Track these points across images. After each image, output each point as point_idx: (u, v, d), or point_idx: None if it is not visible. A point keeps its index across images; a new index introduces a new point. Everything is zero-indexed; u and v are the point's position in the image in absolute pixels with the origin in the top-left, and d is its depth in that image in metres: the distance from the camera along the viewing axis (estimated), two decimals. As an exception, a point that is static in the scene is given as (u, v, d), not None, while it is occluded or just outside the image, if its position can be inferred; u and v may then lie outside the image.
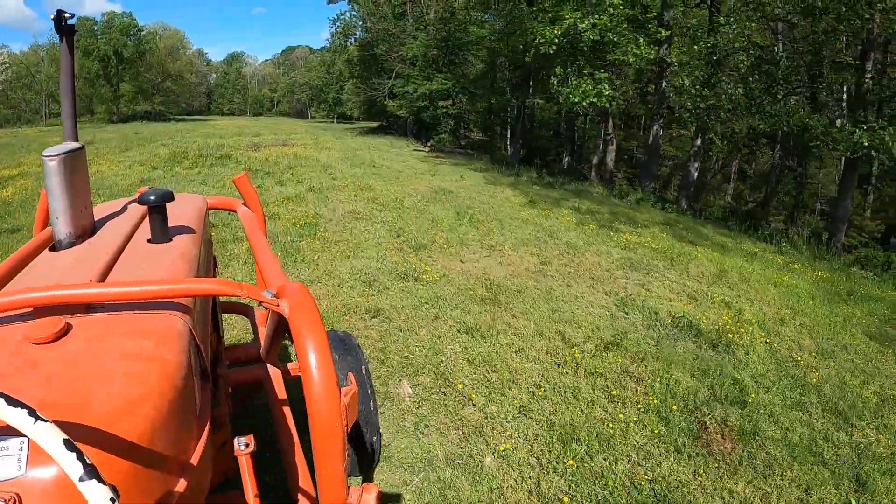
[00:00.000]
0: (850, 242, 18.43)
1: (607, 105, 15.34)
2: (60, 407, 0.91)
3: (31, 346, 1.07)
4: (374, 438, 2.62)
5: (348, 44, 43.19)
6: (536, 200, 12.91)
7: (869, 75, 12.39)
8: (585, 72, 15.68)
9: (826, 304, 7.76)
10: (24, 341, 1.08)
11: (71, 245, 1.67)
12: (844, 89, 14.42)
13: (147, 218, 1.88)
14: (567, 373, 4.63)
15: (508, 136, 38.76)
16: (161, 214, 1.76)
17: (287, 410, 2.06)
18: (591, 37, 14.62)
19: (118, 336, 1.14)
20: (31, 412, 0.70)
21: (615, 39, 14.65)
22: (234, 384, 2.28)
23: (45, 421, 0.70)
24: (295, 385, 1.80)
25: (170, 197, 1.73)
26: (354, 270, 6.57)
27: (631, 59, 15.00)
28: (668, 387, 4.53)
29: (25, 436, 0.77)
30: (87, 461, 0.70)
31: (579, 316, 5.87)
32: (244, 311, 3.22)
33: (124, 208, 2.16)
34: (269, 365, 2.29)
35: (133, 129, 38.57)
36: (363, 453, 2.60)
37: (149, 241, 1.77)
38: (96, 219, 1.91)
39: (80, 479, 0.68)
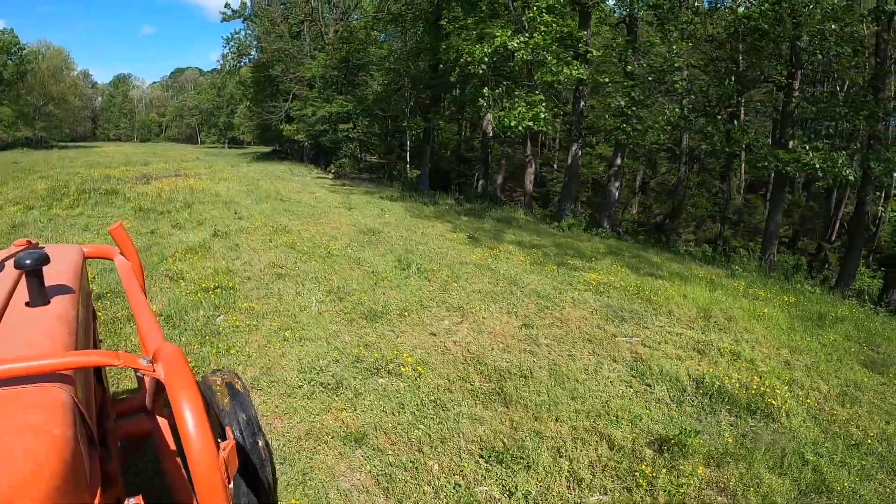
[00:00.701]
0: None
1: (543, 129, 14.58)
2: None
3: None
4: (269, 476, 2.49)
5: (242, 65, 40.03)
6: (478, 238, 11.74)
7: (796, 93, 12.63)
8: (517, 93, 14.86)
9: (809, 334, 7.55)
10: None
11: None
12: (773, 108, 14.77)
13: (23, 279, 1.82)
14: (646, 501, 3.37)
15: (408, 157, 37.86)
16: (38, 278, 1.70)
17: (178, 461, 1.98)
18: (525, 56, 13.83)
19: (4, 412, 1.12)
20: None
21: (546, 58, 13.93)
22: (123, 437, 2.23)
23: None
24: None
25: (45, 260, 1.68)
26: (304, 364, 4.88)
27: (562, 79, 14.37)
28: (763, 496, 3.59)
29: None
30: None
31: (607, 402, 4.65)
32: None
33: (0, 265, 2.02)
34: (156, 415, 2.18)
35: (12, 157, 33.69)
36: (259, 490, 2.43)
37: (27, 304, 1.72)
38: None
39: None
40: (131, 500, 1.30)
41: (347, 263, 8.64)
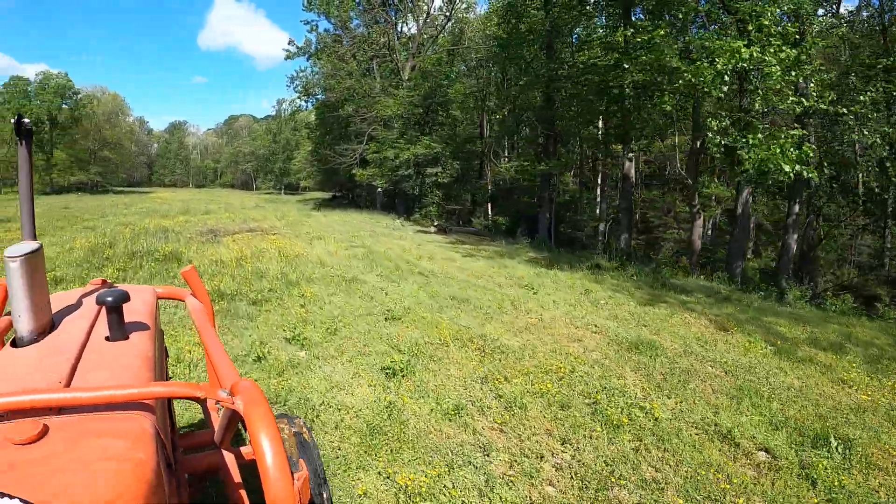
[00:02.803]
0: None
1: (809, 176, 9.88)
2: None
3: (11, 446, 1.08)
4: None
5: (307, 106, 36.53)
6: (728, 327, 7.19)
7: None
8: (760, 125, 10.12)
9: None
10: (3, 442, 1.09)
11: (32, 342, 1.68)
12: None
13: (102, 314, 1.90)
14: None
15: (489, 203, 33.48)
16: (118, 314, 1.76)
17: (244, 493, 2.00)
18: (776, 72, 9.21)
19: (94, 437, 1.16)
20: None
21: (799, 76, 9.32)
22: (189, 470, 2.21)
23: None
24: (247, 468, 1.94)
25: (126, 298, 1.75)
26: None
27: (809, 105, 9.75)
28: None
29: None
30: None
31: None
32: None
33: (79, 302, 2.11)
34: (223, 451, 2.15)
35: (64, 202, 31.07)
36: None
37: (107, 338, 1.77)
38: (53, 311, 1.93)
39: None
40: None
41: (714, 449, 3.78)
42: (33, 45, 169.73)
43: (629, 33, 14.56)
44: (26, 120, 1.80)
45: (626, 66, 14.07)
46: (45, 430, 1.14)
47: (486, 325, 6.96)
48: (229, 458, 2.19)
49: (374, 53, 35.47)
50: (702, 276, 14.74)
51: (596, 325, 7.26)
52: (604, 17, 20.10)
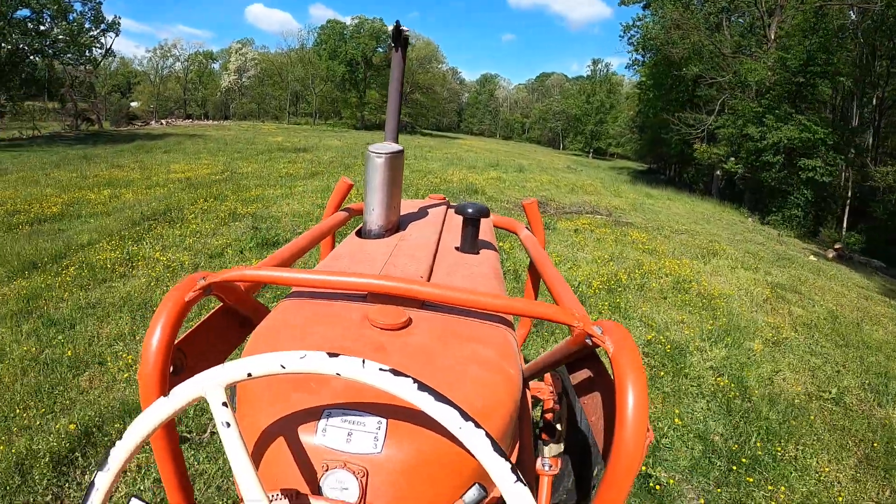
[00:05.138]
0: None
1: None
2: None
3: (374, 329, 1.07)
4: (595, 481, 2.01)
5: (642, 61, 32.12)
6: None
7: None
8: None
9: None
10: (365, 324, 1.09)
11: (379, 236, 1.76)
12: None
13: (447, 225, 2.00)
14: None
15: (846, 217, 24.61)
16: (475, 228, 1.76)
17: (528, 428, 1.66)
18: None
19: (458, 339, 1.10)
20: (462, 413, 0.70)
21: None
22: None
23: (473, 421, 0.70)
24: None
25: (485, 213, 1.75)
26: None
27: None
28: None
29: (384, 417, 0.83)
30: (514, 466, 0.69)
31: None
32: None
33: (423, 212, 2.18)
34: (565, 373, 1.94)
35: (371, 139, 32.15)
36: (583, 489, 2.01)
37: (456, 248, 1.77)
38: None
39: (513, 482, 0.67)
40: (546, 459, 1.31)
41: None
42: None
43: None
44: (405, 28, 1.86)
45: None
46: (409, 322, 1.12)
47: None
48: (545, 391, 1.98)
49: (725, 4, 29.03)
50: None
51: None
52: None
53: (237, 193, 10.67)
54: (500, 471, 0.68)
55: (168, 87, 59.98)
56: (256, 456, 0.90)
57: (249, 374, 0.75)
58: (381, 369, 0.73)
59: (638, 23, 30.70)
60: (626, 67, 40.87)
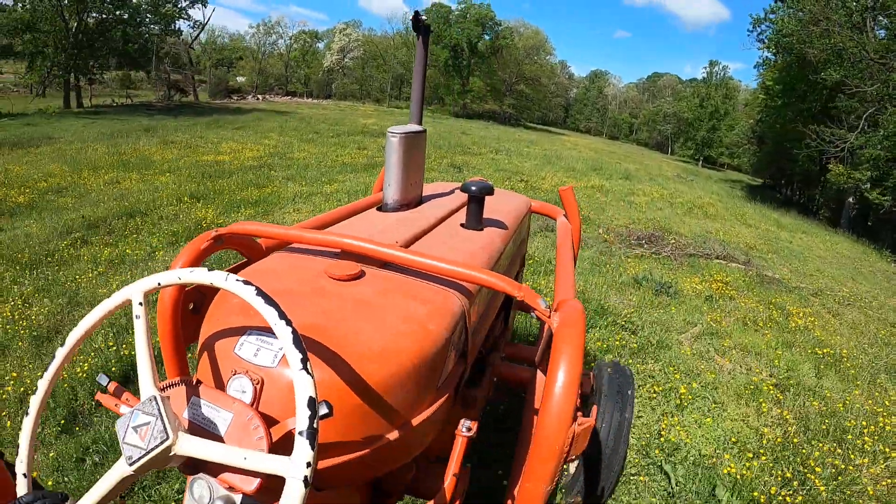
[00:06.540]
0: None
1: None
2: (324, 332, 1.05)
3: (326, 279, 1.25)
4: (610, 484, 2.28)
5: (776, 60, 27.71)
6: None
7: None
8: None
9: None
10: (321, 273, 1.28)
11: (395, 210, 1.96)
12: None
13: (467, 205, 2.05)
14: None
15: None
16: (478, 205, 1.88)
17: (535, 420, 1.76)
18: None
19: (399, 295, 1.24)
20: (283, 316, 0.83)
21: None
22: (501, 376, 2.34)
23: (286, 320, 0.82)
24: None
25: (489, 191, 1.89)
26: None
27: None
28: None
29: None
30: (306, 357, 0.79)
31: None
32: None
33: (451, 192, 2.35)
34: (539, 372, 2.09)
35: (468, 127, 29.97)
36: (593, 490, 2.30)
37: (462, 225, 1.92)
38: (424, 194, 2.19)
39: (299, 370, 0.78)
40: (467, 422, 1.33)
41: None
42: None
43: None
44: (424, 17, 1.97)
45: None
46: (360, 274, 1.27)
47: None
48: (541, 380, 1.97)
49: (871, 3, 24.03)
50: None
51: None
52: None
53: (242, 190, 8.87)
54: (293, 359, 0.78)
55: (270, 64, 61.36)
56: (201, 352, 1.11)
57: (159, 284, 0.95)
58: (236, 280, 0.87)
59: (771, 16, 26.36)
60: (753, 66, 35.82)
